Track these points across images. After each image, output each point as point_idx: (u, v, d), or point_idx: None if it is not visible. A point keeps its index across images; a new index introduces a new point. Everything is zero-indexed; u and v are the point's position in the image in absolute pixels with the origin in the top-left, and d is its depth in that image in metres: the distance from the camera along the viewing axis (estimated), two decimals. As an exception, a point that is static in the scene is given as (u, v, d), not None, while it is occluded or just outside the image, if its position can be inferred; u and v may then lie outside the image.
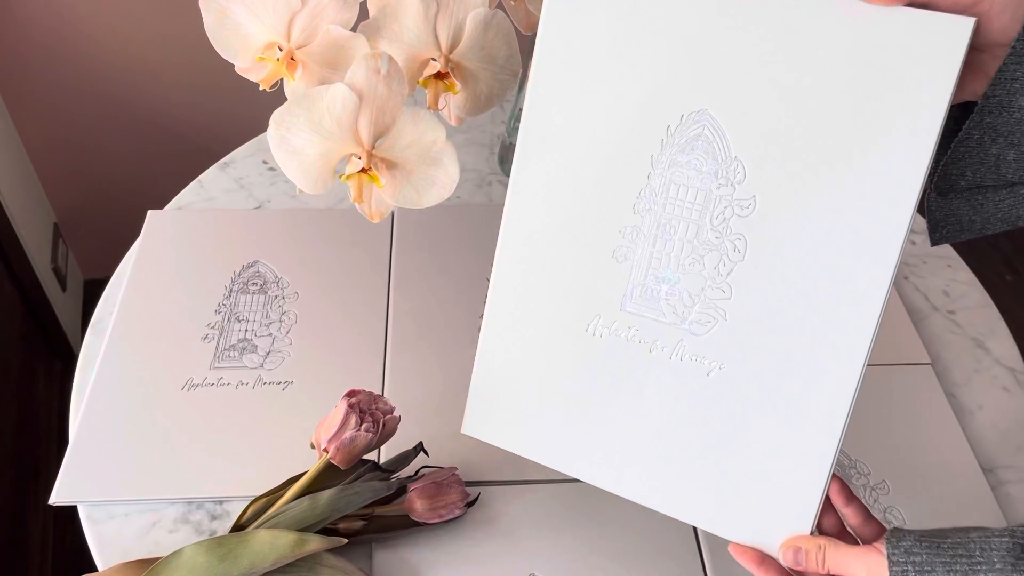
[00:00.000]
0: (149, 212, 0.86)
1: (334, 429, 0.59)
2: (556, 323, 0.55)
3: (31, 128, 1.39)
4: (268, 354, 0.74)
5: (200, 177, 0.91)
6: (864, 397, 0.50)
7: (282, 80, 0.60)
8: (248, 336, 0.75)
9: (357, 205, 0.60)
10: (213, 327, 0.76)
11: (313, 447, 0.61)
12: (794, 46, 0.47)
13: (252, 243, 0.83)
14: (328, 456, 0.59)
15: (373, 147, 0.57)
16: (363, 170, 0.57)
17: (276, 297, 0.79)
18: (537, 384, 0.57)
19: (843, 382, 0.50)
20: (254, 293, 0.79)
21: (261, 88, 0.60)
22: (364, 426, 0.59)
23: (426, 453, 0.66)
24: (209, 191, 0.90)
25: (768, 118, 0.48)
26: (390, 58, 0.55)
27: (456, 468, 0.65)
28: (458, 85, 0.60)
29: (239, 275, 0.80)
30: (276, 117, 0.56)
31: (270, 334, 0.76)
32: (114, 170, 1.49)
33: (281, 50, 0.58)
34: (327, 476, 0.61)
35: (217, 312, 0.77)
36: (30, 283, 1.36)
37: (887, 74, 0.45)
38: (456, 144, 0.59)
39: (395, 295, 0.80)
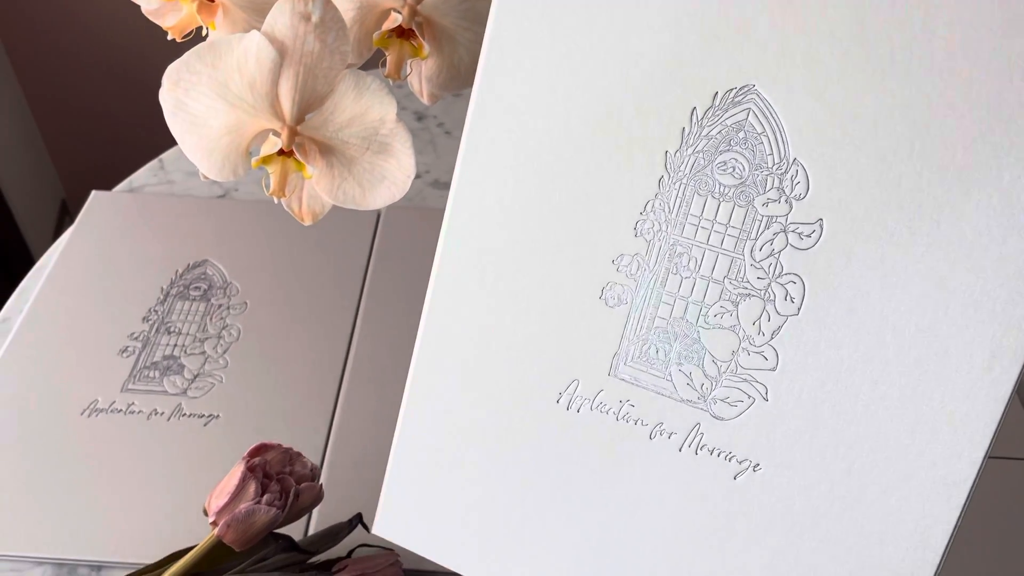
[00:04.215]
0: (93, 192, 0.72)
1: (225, 498, 0.44)
2: (511, 389, 0.38)
3: (40, 95, 1.29)
4: (196, 377, 0.60)
5: (162, 156, 0.77)
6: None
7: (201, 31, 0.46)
8: (176, 353, 0.61)
9: (280, 201, 0.45)
10: (136, 338, 0.62)
11: (206, 514, 0.46)
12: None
13: (205, 238, 0.69)
14: (216, 533, 0.44)
15: (299, 122, 0.42)
16: (283, 152, 0.42)
17: (219, 307, 0.64)
18: (480, 476, 0.40)
19: (944, 503, 0.33)
20: (195, 300, 0.65)
21: (170, 38, 0.45)
22: (267, 497, 0.44)
23: (366, 527, 0.51)
24: (169, 172, 0.76)
25: (852, 96, 0.31)
26: (325, 1, 0.40)
27: (398, 556, 0.49)
28: (427, 48, 0.44)
29: (181, 276, 0.66)
30: (171, 73, 0.41)
31: (203, 352, 0.61)
32: (129, 142, 1.38)
33: (193, -14, 0.44)
34: (220, 555, 0.46)
35: (145, 320, 0.63)
36: (22, 269, 1.25)
37: None
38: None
39: (365, 315, 0.64)
